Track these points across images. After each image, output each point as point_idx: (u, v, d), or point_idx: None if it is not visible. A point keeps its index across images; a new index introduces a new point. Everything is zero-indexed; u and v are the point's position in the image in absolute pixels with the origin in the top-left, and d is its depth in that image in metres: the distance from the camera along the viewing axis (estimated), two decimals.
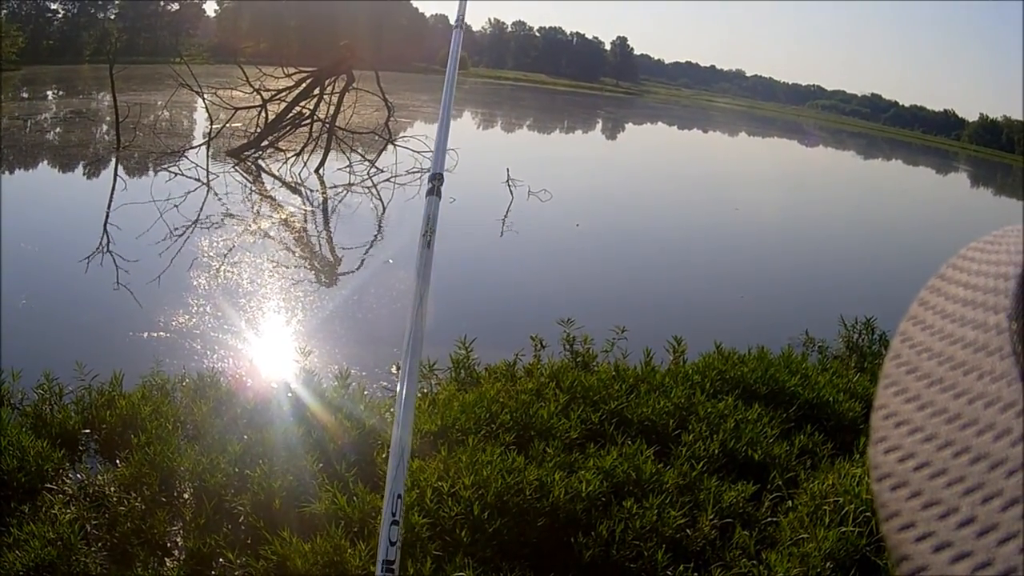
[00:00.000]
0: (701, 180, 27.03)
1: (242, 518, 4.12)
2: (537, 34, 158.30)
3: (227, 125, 17.58)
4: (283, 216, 13.58)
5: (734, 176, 29.60)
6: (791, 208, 22.50)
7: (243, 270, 9.85)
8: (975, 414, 0.29)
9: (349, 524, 3.95)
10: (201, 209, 12.86)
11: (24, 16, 65.98)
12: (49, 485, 4.32)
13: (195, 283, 9.01)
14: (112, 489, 4.28)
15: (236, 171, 16.51)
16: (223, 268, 9.78)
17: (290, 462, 4.46)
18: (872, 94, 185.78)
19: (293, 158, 16.89)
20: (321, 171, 16.87)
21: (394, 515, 1.32)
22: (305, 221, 13.90)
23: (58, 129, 23.06)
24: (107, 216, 12.20)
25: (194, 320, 7.90)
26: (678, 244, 15.31)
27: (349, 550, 3.71)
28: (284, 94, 17.03)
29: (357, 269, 11.17)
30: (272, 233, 12.26)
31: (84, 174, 16.80)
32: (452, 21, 2.37)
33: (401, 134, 18.95)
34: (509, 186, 15.80)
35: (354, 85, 16.98)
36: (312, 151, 16.89)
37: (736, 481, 4.67)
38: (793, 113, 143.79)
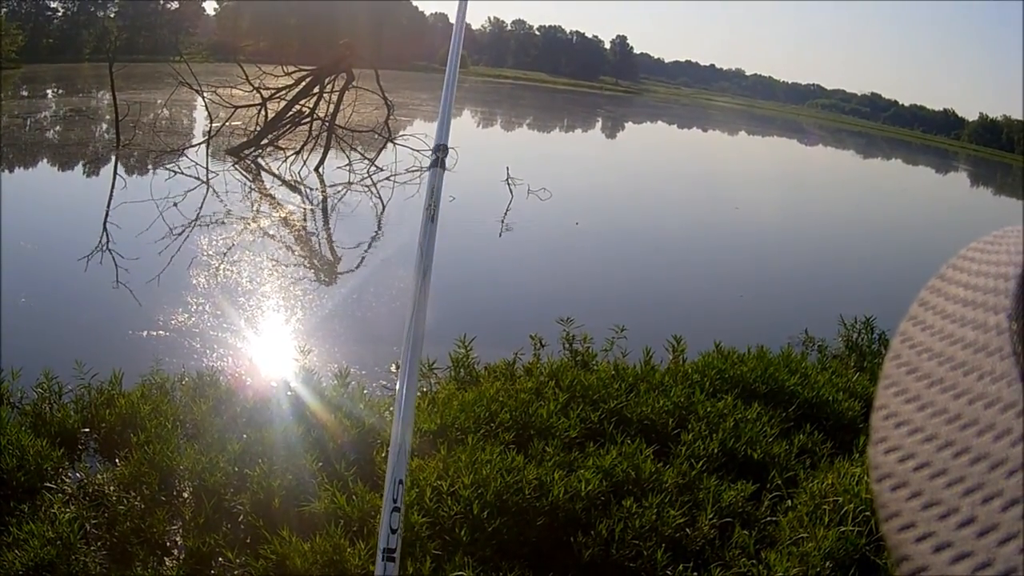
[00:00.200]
0: (700, 179, 27.04)
1: (241, 517, 4.13)
2: (537, 33, 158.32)
3: (227, 123, 17.58)
4: (283, 215, 13.58)
5: (733, 175, 29.59)
6: (791, 207, 22.50)
7: (243, 269, 9.84)
8: (975, 414, 0.29)
9: (348, 523, 3.96)
10: (201, 208, 12.86)
11: (24, 14, 65.92)
12: (48, 484, 4.31)
13: (195, 282, 9.00)
14: (111, 488, 4.28)
15: (236, 169, 16.51)
16: (223, 267, 9.78)
17: (289, 461, 4.47)
18: (872, 93, 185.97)
19: (293, 156, 16.89)
20: (321, 169, 16.86)
21: (395, 501, 1.30)
22: (305, 220, 13.89)
23: (58, 127, 23.05)
24: (107, 214, 12.19)
25: (193, 319, 7.90)
26: (677, 243, 15.31)
27: (348, 549, 3.72)
28: (284, 92, 17.02)
29: (356, 268, 11.17)
30: (272, 232, 12.26)
31: (84, 172, 16.81)
32: (452, 20, 2.36)
33: (401, 133, 18.93)
34: (509, 185, 15.80)
35: (354, 83, 16.98)
36: (312, 149, 16.89)
37: (735, 480, 4.68)
38: (793, 112, 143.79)
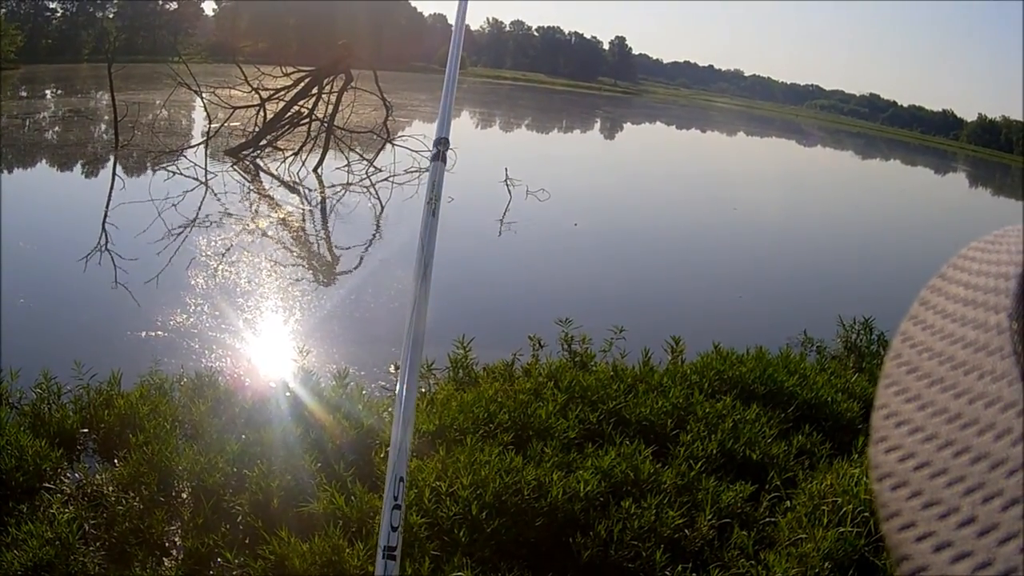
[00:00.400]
0: (699, 179, 27.04)
1: (240, 518, 4.12)
2: (535, 33, 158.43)
3: (225, 124, 17.58)
4: (281, 215, 13.58)
5: (732, 175, 29.60)
6: (789, 208, 22.51)
7: (241, 269, 9.84)
8: (976, 414, 0.29)
9: (347, 524, 3.95)
10: (199, 208, 12.86)
11: (23, 15, 65.92)
12: (47, 484, 4.31)
13: (193, 282, 9.00)
14: (110, 488, 4.27)
15: (234, 170, 16.50)
16: (221, 267, 9.77)
17: (288, 462, 4.46)
18: (870, 94, 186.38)
19: (291, 157, 16.89)
20: (319, 170, 16.86)
21: (396, 499, 1.29)
22: (303, 220, 13.90)
23: (57, 128, 23.05)
24: (105, 215, 12.19)
25: (192, 319, 7.90)
26: (676, 243, 15.31)
27: (347, 550, 3.71)
28: (282, 93, 17.02)
29: (355, 268, 11.17)
30: (270, 232, 12.26)
31: (82, 173, 16.80)
32: (451, 20, 2.35)
33: (399, 133, 18.94)
34: (507, 185, 15.80)
35: (352, 84, 16.98)
36: (310, 150, 16.89)
37: (734, 481, 4.68)
38: (791, 113, 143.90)
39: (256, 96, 16.93)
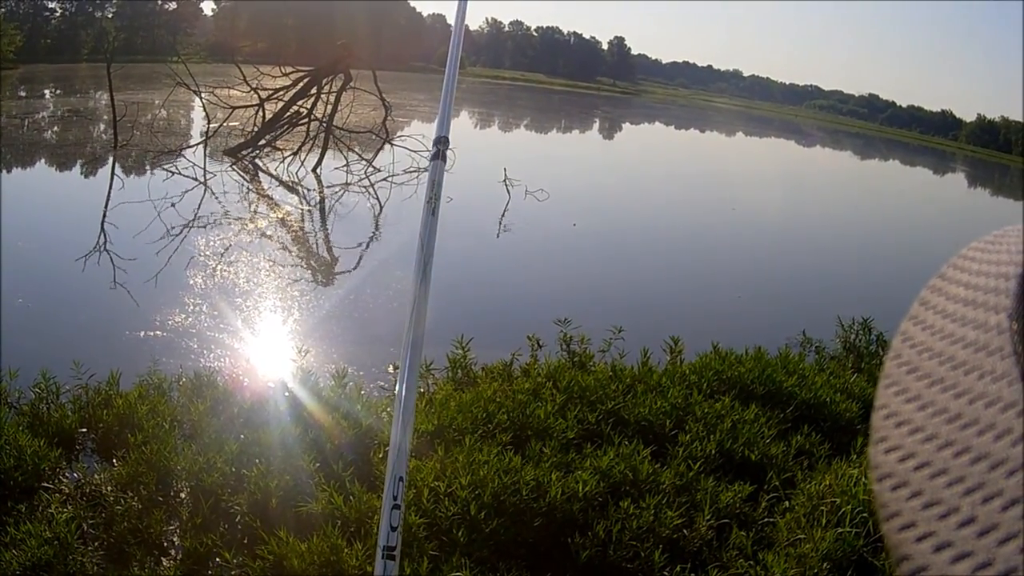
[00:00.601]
0: (698, 180, 27.05)
1: (239, 518, 4.12)
2: (534, 34, 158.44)
3: (224, 124, 17.57)
4: (280, 215, 13.57)
5: (731, 176, 29.61)
6: (788, 208, 22.51)
7: (240, 269, 9.84)
8: (976, 414, 0.29)
9: (346, 524, 3.95)
10: (198, 208, 12.86)
11: (22, 15, 65.92)
12: (46, 484, 4.31)
13: (192, 282, 9.00)
14: (109, 488, 4.27)
15: (233, 170, 16.50)
16: (220, 267, 9.77)
17: (287, 462, 4.46)
18: (869, 94, 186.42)
19: (290, 157, 16.88)
20: (318, 170, 16.86)
21: (395, 499, 1.28)
22: (302, 220, 13.89)
23: (56, 128, 23.05)
24: (104, 215, 12.19)
25: (191, 319, 7.89)
26: (675, 244, 15.32)
27: (346, 550, 3.71)
28: (281, 93, 17.01)
29: (354, 268, 11.17)
30: (269, 232, 12.25)
31: (81, 173, 16.80)
32: (450, 20, 2.35)
33: (398, 133, 18.93)
34: (506, 186, 15.80)
35: (351, 84, 16.97)
36: (309, 150, 16.88)
37: (733, 481, 4.68)
38: (790, 113, 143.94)
39: (255, 96, 16.93)
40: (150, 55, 56.41)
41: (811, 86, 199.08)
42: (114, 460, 4.67)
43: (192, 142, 18.32)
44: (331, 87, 16.88)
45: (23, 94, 31.93)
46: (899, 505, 0.28)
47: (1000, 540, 0.24)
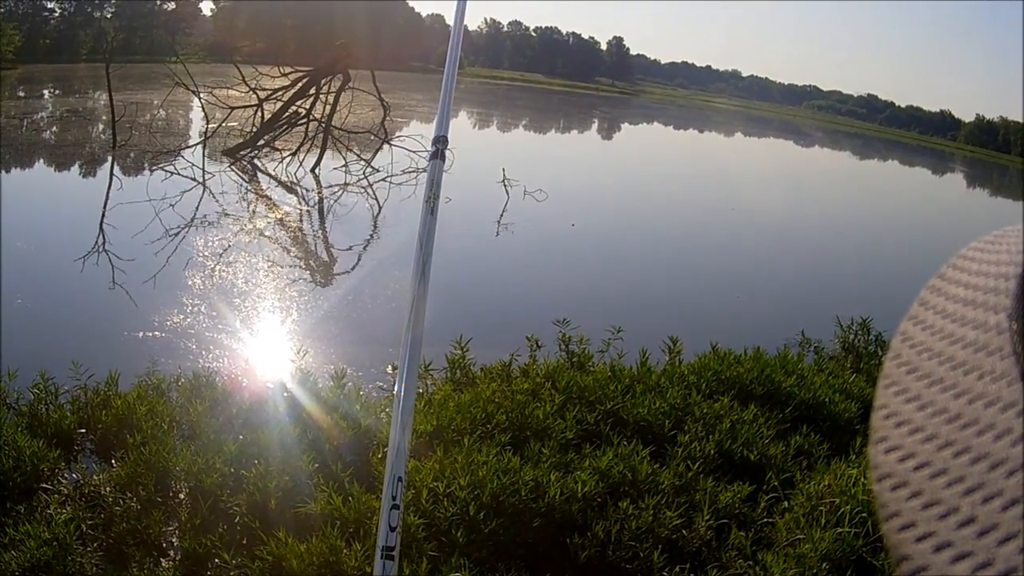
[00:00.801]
0: (697, 180, 27.05)
1: (238, 518, 4.12)
2: (533, 34, 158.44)
3: (223, 124, 17.57)
4: (279, 215, 13.57)
5: (730, 176, 29.61)
6: (787, 208, 22.52)
7: (239, 270, 9.84)
8: (975, 414, 0.29)
9: (345, 525, 3.95)
10: (197, 208, 12.85)
11: (21, 15, 65.85)
12: (45, 485, 4.31)
13: (191, 283, 9.00)
14: (108, 489, 4.27)
15: (232, 170, 16.49)
16: (219, 268, 9.77)
17: (286, 462, 4.46)
18: (868, 94, 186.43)
19: (289, 158, 16.87)
20: (317, 171, 16.86)
21: (394, 499, 1.28)
22: (301, 221, 13.89)
23: (54, 128, 23.03)
24: (103, 215, 12.19)
25: (190, 320, 7.89)
26: (674, 244, 15.32)
27: (345, 551, 3.71)
28: (280, 93, 17.01)
29: (352, 269, 11.17)
30: (268, 233, 12.25)
31: (80, 173, 16.79)
32: (449, 21, 2.35)
33: (397, 134, 18.92)
34: (505, 186, 15.80)
35: (350, 85, 16.97)
36: (308, 151, 16.87)
37: (732, 482, 4.68)
38: (789, 113, 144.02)
39: (254, 96, 16.92)
40: (149, 55, 56.45)
41: (810, 86, 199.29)
42: (113, 461, 4.67)
43: (191, 142, 18.31)
44: (330, 87, 16.88)
45: (22, 94, 31.92)
46: (899, 505, 0.28)
47: (1000, 540, 0.24)
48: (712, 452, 4.95)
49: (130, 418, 4.96)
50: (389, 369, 6.87)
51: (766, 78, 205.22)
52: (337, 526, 3.89)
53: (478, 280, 11.01)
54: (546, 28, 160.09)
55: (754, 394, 5.96)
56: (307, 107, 16.92)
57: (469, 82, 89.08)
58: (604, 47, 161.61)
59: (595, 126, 55.19)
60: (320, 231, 13.72)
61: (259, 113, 17.07)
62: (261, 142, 17.35)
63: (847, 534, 4.07)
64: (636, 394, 5.67)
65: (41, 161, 17.52)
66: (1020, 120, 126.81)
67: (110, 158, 17.23)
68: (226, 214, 12.89)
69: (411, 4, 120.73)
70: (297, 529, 3.91)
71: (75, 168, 17.09)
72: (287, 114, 16.99)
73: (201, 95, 17.39)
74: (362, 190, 15.90)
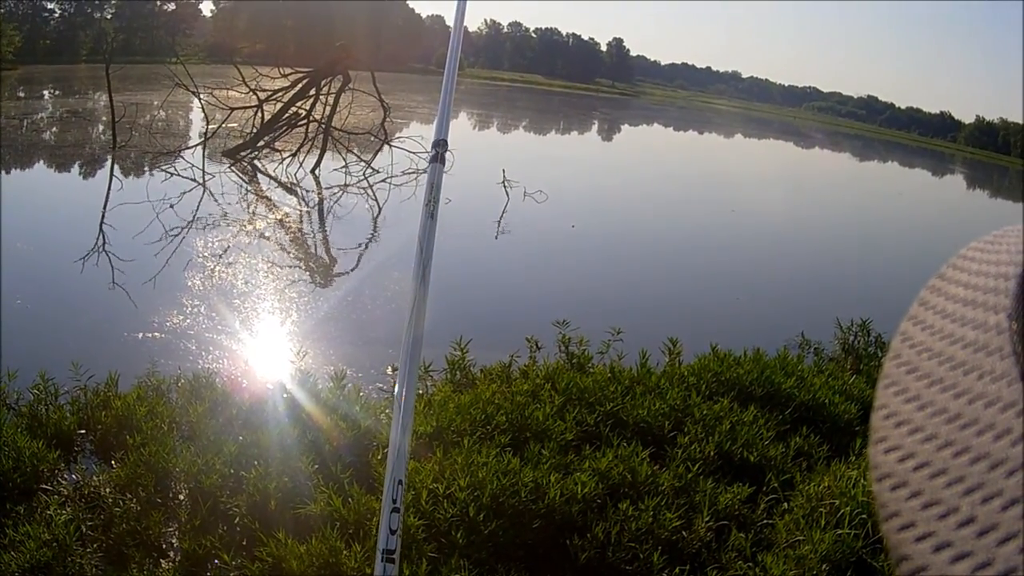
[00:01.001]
0: (697, 181, 27.06)
1: (237, 519, 4.12)
2: (533, 35, 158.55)
3: (223, 125, 17.57)
4: (279, 216, 13.58)
5: (730, 177, 29.62)
6: (787, 210, 22.51)
7: (238, 271, 9.84)
8: (975, 414, 0.29)
9: (345, 526, 3.95)
10: (197, 209, 12.85)
11: (21, 15, 65.84)
12: (44, 486, 4.31)
13: (190, 283, 9.00)
14: (107, 490, 4.27)
15: (232, 171, 16.49)
16: (218, 268, 9.77)
17: (285, 463, 4.46)
18: (868, 96, 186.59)
19: (289, 158, 16.87)
20: (317, 171, 16.86)
21: (394, 502, 1.29)
22: (301, 222, 13.89)
23: (54, 129, 23.03)
24: (103, 216, 12.19)
25: (189, 321, 7.89)
26: (674, 245, 15.32)
27: (345, 552, 3.71)
28: (280, 94, 17.01)
29: (352, 270, 11.17)
30: (268, 234, 12.25)
31: (80, 174, 16.80)
32: (448, 22, 2.35)
33: (397, 135, 18.93)
34: (505, 187, 15.80)
35: (350, 86, 16.97)
36: (308, 152, 16.88)
37: (732, 483, 4.68)
38: (789, 115, 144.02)
39: (254, 97, 16.92)
40: (149, 56, 56.47)
41: (810, 87, 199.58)
42: (113, 462, 4.67)
43: (191, 143, 18.31)
44: (330, 88, 16.88)
45: (22, 95, 31.93)
46: (899, 505, 0.28)
47: (1000, 540, 0.24)
48: (712, 453, 4.95)
49: (130, 419, 4.96)
50: (389, 370, 6.87)
51: (766, 79, 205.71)
52: (337, 527, 3.89)
53: (478, 281, 11.01)
54: (546, 29, 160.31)
55: (754, 395, 5.95)
56: (307, 108, 16.92)
57: (469, 83, 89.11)
58: (604, 48, 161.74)
59: (595, 127, 55.21)
60: (320, 232, 13.72)
61: (259, 114, 17.07)
62: (261, 143, 17.35)
63: (847, 535, 4.07)
64: (636, 395, 5.67)
65: (41, 162, 17.52)
66: (1020, 121, 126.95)
67: (110, 159, 17.23)
68: (226, 215, 12.89)
69: (411, 5, 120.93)
70: (297, 530, 3.90)
71: (75, 169, 17.09)
72: (287, 115, 16.99)
73: (201, 96, 17.40)
74: (362, 191, 15.90)
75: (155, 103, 24.31)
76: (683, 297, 11.48)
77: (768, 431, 5.33)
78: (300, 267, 10.88)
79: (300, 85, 16.82)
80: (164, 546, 4.03)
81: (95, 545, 3.90)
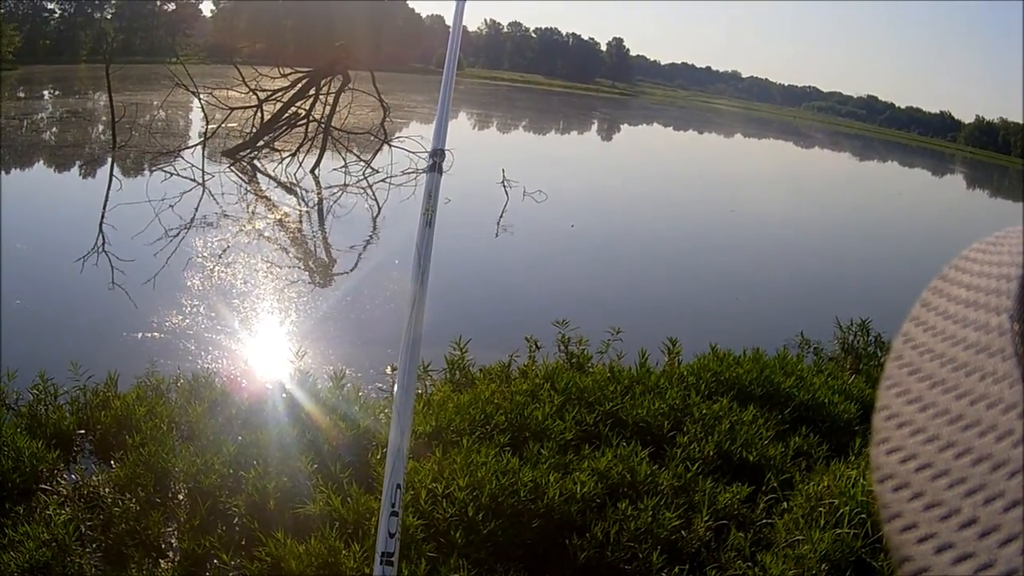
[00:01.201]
0: (696, 181, 27.07)
1: (236, 519, 4.12)
2: (533, 35, 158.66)
3: (223, 125, 17.58)
4: (278, 216, 13.58)
5: (730, 177, 29.63)
6: (787, 209, 22.53)
7: (238, 270, 9.84)
8: (977, 415, 0.29)
9: (344, 525, 3.95)
10: (196, 209, 12.86)
11: (21, 16, 65.91)
12: (44, 486, 4.31)
13: (190, 283, 9.00)
14: (107, 490, 4.27)
15: (232, 171, 16.50)
16: (218, 268, 9.77)
17: (284, 463, 4.45)
18: (868, 96, 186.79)
19: (289, 158, 16.88)
20: (316, 171, 16.86)
21: (393, 506, 1.29)
22: (300, 221, 13.90)
23: (54, 129, 23.04)
24: (103, 216, 12.19)
25: (189, 320, 7.89)
26: (673, 245, 15.33)
27: (344, 551, 3.71)
28: (280, 94, 17.02)
29: (352, 270, 11.17)
30: (267, 233, 12.26)
31: (80, 174, 16.80)
32: (448, 22, 2.35)
33: (397, 134, 18.93)
34: (504, 187, 15.80)
35: (350, 85, 16.98)
36: (308, 151, 16.88)
37: (731, 483, 4.67)
38: (789, 115, 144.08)
39: (253, 97, 16.93)
40: (149, 56, 56.51)
41: (810, 87, 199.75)
42: (112, 462, 4.67)
43: (190, 143, 18.31)
44: (329, 88, 16.89)
45: (22, 95, 31.94)
46: (901, 506, 0.28)
47: (1002, 541, 0.24)
48: (711, 453, 4.95)
49: (129, 419, 4.95)
50: (388, 370, 6.87)
51: (766, 79, 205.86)
52: (336, 527, 3.89)
53: (477, 281, 11.02)
54: (546, 29, 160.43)
55: (753, 395, 5.95)
56: (307, 108, 16.93)
57: (469, 83, 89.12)
58: (604, 48, 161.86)
59: (595, 127, 55.24)
60: (319, 232, 13.72)
61: (259, 114, 17.08)
62: (261, 143, 17.36)
63: (846, 535, 4.07)
64: (635, 395, 5.66)
65: (41, 162, 17.53)
66: (1020, 121, 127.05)
67: (110, 159, 17.24)
68: (226, 215, 12.90)
69: (411, 5, 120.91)
70: (296, 530, 3.90)
71: (75, 169, 17.09)
72: (287, 115, 17.00)
73: (201, 96, 17.41)
74: (361, 191, 15.90)
75: (155, 103, 24.33)
76: (683, 297, 11.48)
77: (767, 431, 5.33)
78: (299, 267, 10.88)
79: (300, 85, 16.83)
80: (163, 546, 4.03)
81: (94, 545, 3.90)
